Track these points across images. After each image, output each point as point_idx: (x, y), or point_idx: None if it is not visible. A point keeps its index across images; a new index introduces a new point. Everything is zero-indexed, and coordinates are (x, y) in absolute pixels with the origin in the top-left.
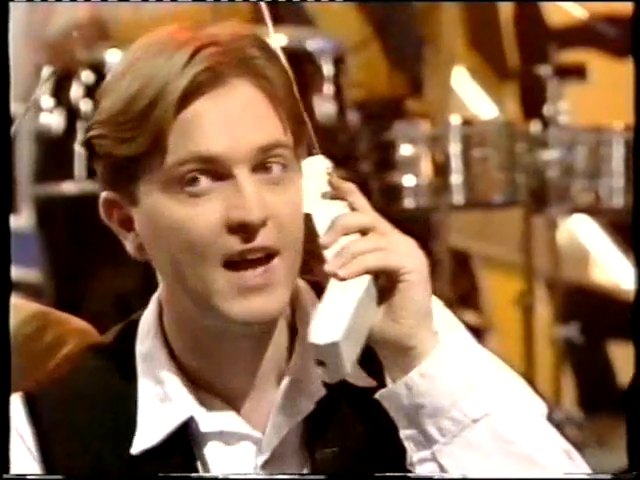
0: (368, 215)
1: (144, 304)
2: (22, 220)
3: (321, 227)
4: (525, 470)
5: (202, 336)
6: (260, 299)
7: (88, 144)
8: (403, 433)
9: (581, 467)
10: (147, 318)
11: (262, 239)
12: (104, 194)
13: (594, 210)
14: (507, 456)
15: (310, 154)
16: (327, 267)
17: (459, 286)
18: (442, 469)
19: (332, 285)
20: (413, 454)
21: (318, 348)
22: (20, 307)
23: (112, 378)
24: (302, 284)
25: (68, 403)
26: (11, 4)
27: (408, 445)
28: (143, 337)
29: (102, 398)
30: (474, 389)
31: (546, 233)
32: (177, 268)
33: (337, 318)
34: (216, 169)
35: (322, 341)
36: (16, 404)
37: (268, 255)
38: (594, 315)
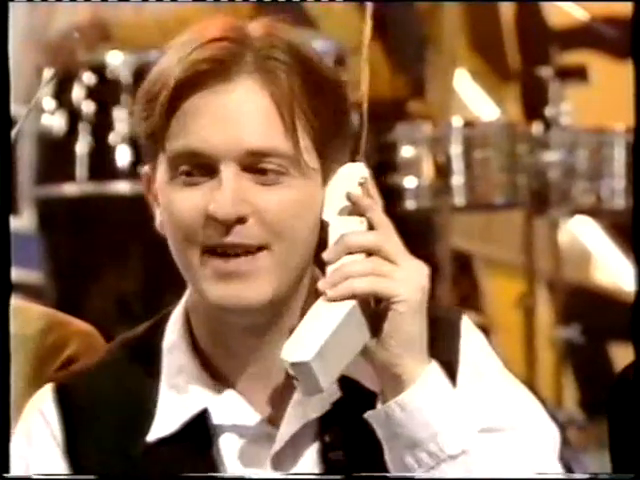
0: (378, 236)
1: (145, 305)
2: (23, 221)
3: (332, 240)
4: None
5: (213, 325)
6: (239, 286)
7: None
8: (386, 456)
9: None
10: (177, 311)
11: (240, 236)
12: (144, 168)
13: (595, 211)
14: None
15: (353, 160)
16: (319, 285)
17: (460, 287)
18: None
19: (317, 305)
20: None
21: (290, 366)
22: (23, 309)
23: (139, 370)
24: (319, 274)
25: (96, 394)
26: (11, 5)
27: (391, 467)
28: (170, 329)
29: (128, 389)
30: (454, 424)
31: (547, 234)
32: (174, 251)
33: (312, 339)
34: (206, 163)
35: (293, 359)
36: (47, 394)
37: (250, 250)
38: (595, 316)
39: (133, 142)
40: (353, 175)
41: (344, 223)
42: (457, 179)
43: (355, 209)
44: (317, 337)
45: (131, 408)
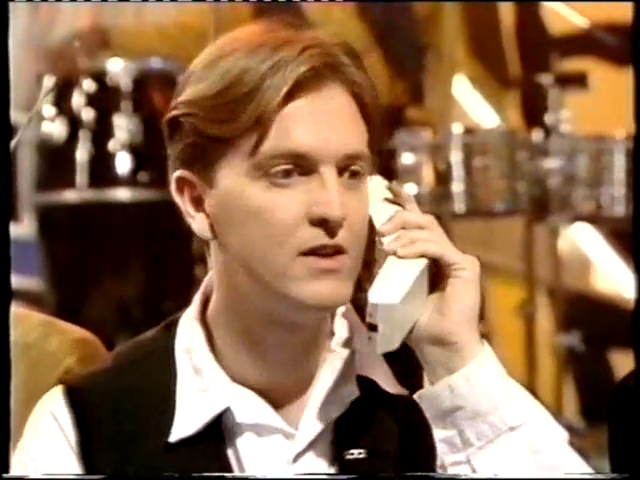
0: (427, 218)
1: (145, 312)
2: (23, 228)
3: (379, 223)
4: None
5: (253, 325)
6: (330, 282)
7: (172, 122)
8: (439, 434)
9: None
10: (188, 314)
11: (339, 237)
12: (178, 172)
13: (595, 218)
14: (537, 465)
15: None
16: (386, 246)
17: None
18: (474, 472)
19: (391, 261)
20: (446, 456)
21: (376, 308)
22: (24, 316)
23: (152, 372)
24: None
25: (108, 396)
26: (11, 9)
27: (441, 447)
28: (184, 332)
29: (141, 391)
30: (513, 397)
31: (547, 241)
32: (250, 252)
33: (397, 284)
34: (304, 164)
35: (382, 301)
36: (58, 395)
37: (338, 252)
38: (595, 323)
39: (133, 149)
40: (377, 180)
41: (386, 211)
42: (457, 186)
43: (393, 200)
44: (401, 284)
45: (146, 410)
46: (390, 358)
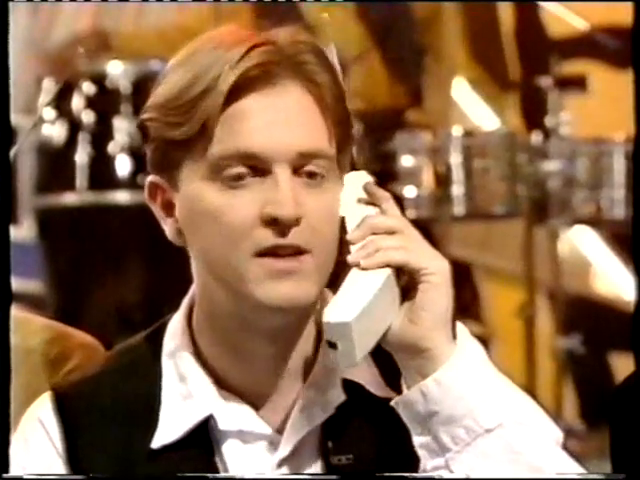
0: (398, 220)
1: (145, 315)
2: (23, 231)
3: (351, 227)
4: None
5: (230, 331)
6: (289, 283)
7: (141, 127)
8: (416, 440)
9: None
10: (175, 319)
11: (294, 237)
12: (150, 177)
13: (595, 221)
14: (517, 466)
15: (352, 168)
16: (350, 258)
17: (460, 297)
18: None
19: (353, 273)
20: (427, 462)
21: (330, 327)
22: (25, 321)
23: (139, 377)
24: (328, 294)
25: (95, 402)
26: (11, 12)
27: (421, 453)
28: (170, 337)
29: (128, 397)
30: (488, 399)
31: (547, 244)
32: (210, 255)
33: (353, 301)
34: (257, 165)
35: (335, 320)
36: (46, 402)
37: (298, 252)
38: (595, 326)
39: (133, 152)
40: (359, 179)
41: (361, 212)
42: (457, 189)
43: (369, 201)
44: (358, 300)
45: (132, 416)
46: (378, 360)
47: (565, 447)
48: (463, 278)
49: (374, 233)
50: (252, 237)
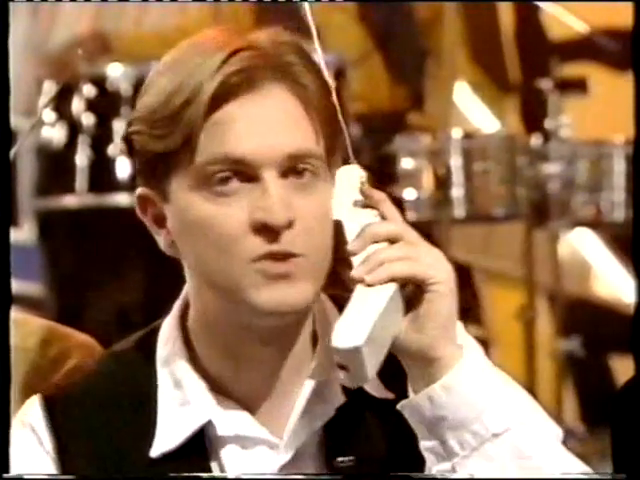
0: (398, 225)
1: (145, 317)
2: (23, 233)
3: (350, 234)
4: None
5: (226, 336)
6: (284, 287)
7: (127, 140)
8: (423, 445)
9: None
10: (169, 323)
11: (286, 242)
12: (139, 190)
13: (595, 224)
14: (524, 471)
15: (345, 163)
16: (354, 273)
17: (460, 299)
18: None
19: (358, 291)
20: (433, 466)
21: (340, 352)
22: (24, 322)
23: (131, 383)
24: (323, 296)
25: (87, 407)
26: (11, 14)
27: (428, 457)
28: (164, 342)
29: (121, 402)
30: (496, 403)
31: (547, 247)
32: (204, 264)
33: (361, 323)
34: (245, 170)
35: (344, 345)
36: (34, 407)
37: (292, 256)
38: (596, 328)
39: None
40: (353, 175)
41: (359, 217)
42: (457, 191)
43: (366, 203)
44: (365, 321)
45: (127, 421)
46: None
47: (565, 446)
48: (463, 280)
49: (375, 241)
50: (245, 245)
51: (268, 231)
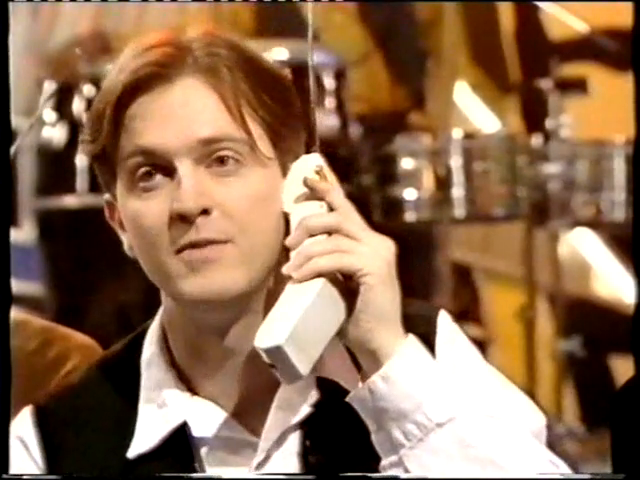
0: (341, 215)
1: (145, 317)
2: (24, 233)
3: (294, 227)
4: (490, 474)
5: (185, 334)
6: (212, 274)
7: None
8: (373, 437)
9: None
10: (152, 327)
11: (206, 229)
12: (105, 196)
13: (595, 224)
14: (472, 460)
15: (308, 152)
16: (284, 269)
17: (460, 299)
18: (407, 472)
19: (287, 288)
20: (383, 458)
21: (262, 352)
22: (24, 323)
23: (119, 387)
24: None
25: (77, 414)
26: (12, 15)
27: (379, 449)
28: (148, 344)
29: (109, 408)
30: (438, 392)
31: (547, 246)
32: (142, 261)
33: (283, 322)
34: (161, 163)
35: (265, 345)
36: (25, 418)
37: (215, 243)
38: (596, 328)
39: None
40: (309, 165)
41: (304, 210)
42: (457, 191)
43: (313, 195)
44: (288, 320)
45: (112, 427)
46: (354, 356)
47: (562, 446)
48: (463, 280)
49: (312, 235)
50: (168, 236)
51: (185, 221)
